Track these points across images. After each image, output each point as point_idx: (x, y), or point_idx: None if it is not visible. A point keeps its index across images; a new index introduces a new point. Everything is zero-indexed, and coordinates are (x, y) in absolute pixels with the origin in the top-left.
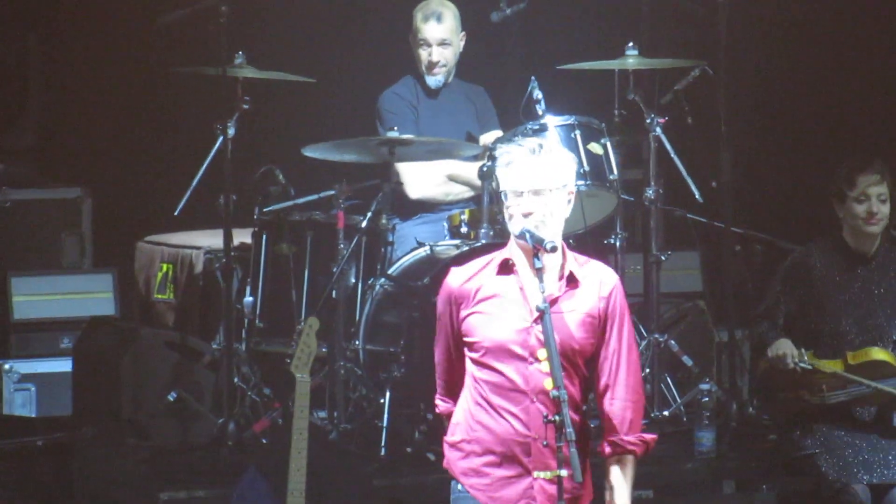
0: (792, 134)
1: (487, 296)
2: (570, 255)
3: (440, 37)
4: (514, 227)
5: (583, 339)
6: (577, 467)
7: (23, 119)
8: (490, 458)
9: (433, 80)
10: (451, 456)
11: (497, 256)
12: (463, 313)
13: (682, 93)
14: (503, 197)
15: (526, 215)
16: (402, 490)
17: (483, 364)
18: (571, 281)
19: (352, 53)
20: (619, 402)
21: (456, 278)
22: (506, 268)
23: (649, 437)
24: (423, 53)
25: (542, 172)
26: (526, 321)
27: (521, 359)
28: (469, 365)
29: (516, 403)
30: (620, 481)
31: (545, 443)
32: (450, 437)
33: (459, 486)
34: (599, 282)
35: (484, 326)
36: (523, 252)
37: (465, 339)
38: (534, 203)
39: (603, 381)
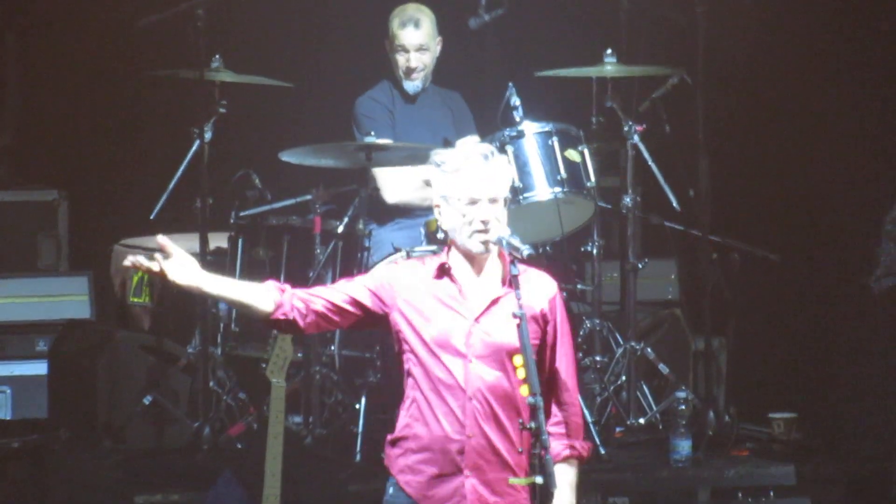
0: (770, 142)
1: (425, 296)
2: (507, 259)
3: (418, 42)
4: (466, 233)
5: (529, 341)
6: (552, 474)
7: (0, 119)
8: (425, 455)
9: (411, 86)
10: (390, 453)
11: (433, 261)
12: (397, 302)
13: (660, 100)
14: (446, 202)
15: (485, 222)
16: (377, 496)
17: (421, 362)
18: (512, 284)
19: (329, 58)
20: (572, 407)
21: (400, 268)
22: (442, 271)
23: (590, 444)
24: (401, 59)
25: (497, 179)
26: (466, 321)
27: (461, 356)
28: (407, 363)
29: (453, 401)
30: (572, 482)
31: (520, 449)
32: (391, 435)
33: (391, 489)
34: (540, 287)
35: (422, 325)
36: (464, 257)
37: (400, 334)
38: (490, 210)
39: (553, 386)
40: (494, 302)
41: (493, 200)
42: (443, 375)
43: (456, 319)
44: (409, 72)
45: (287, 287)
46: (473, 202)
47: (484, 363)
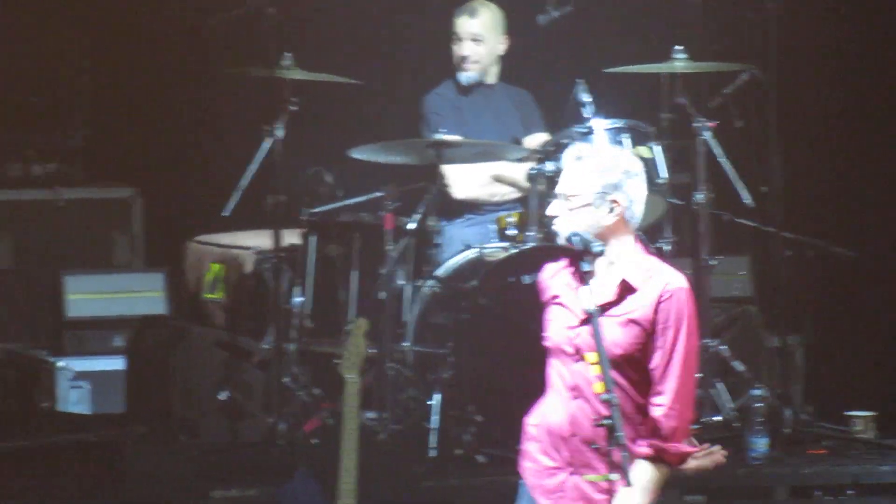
0: (844, 137)
1: (554, 295)
2: (634, 260)
3: (472, 31)
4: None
5: (628, 345)
6: (627, 471)
7: (74, 119)
8: (540, 445)
9: (464, 77)
10: (525, 439)
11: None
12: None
13: (731, 96)
14: None
15: (550, 217)
16: (450, 492)
17: (550, 359)
18: (627, 286)
19: (399, 55)
20: (664, 409)
21: (545, 272)
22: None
23: (688, 449)
24: (455, 48)
25: (574, 177)
26: (574, 321)
27: (569, 357)
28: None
29: (565, 400)
30: (645, 482)
31: (595, 445)
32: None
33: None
34: (657, 288)
35: (549, 324)
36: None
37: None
38: (561, 206)
39: (652, 388)
40: (607, 307)
41: (567, 197)
42: (557, 375)
43: (568, 320)
44: (461, 61)
45: None
46: (556, 197)
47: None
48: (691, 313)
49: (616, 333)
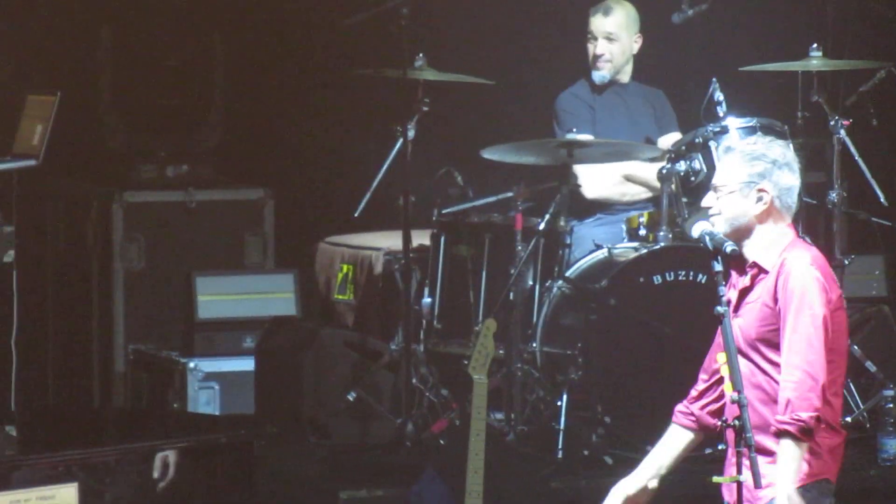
0: None
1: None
2: (770, 244)
3: (606, 30)
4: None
5: (762, 328)
6: (757, 474)
7: (207, 120)
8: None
9: (598, 76)
10: None
11: None
12: None
13: (868, 94)
14: None
15: (706, 209)
16: (578, 493)
17: None
18: (760, 270)
19: (530, 55)
20: (781, 383)
21: None
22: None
23: (805, 415)
24: (589, 47)
25: (722, 169)
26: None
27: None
28: None
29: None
30: (785, 457)
31: (724, 445)
32: None
33: None
34: (780, 269)
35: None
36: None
37: None
38: (711, 199)
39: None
40: (745, 292)
41: (717, 188)
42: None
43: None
44: (595, 59)
45: (687, 406)
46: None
47: (741, 355)
48: (810, 288)
49: (751, 318)
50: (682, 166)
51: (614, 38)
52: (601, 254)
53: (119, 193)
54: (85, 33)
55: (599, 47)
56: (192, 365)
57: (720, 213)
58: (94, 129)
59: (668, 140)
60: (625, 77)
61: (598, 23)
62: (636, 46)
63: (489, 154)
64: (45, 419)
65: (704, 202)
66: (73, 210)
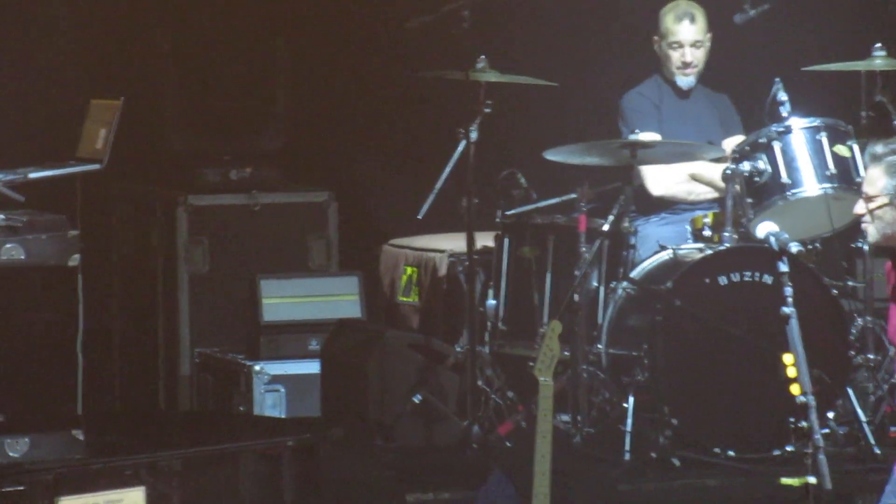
0: None
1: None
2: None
3: (693, 38)
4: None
5: None
6: (825, 475)
7: (271, 123)
8: None
9: (685, 81)
10: None
11: None
12: None
13: None
14: None
15: (858, 216)
16: (646, 495)
17: None
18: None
19: (593, 55)
20: None
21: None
22: None
23: None
24: (676, 54)
25: (870, 177)
26: None
27: None
28: None
29: None
30: None
31: (792, 447)
32: None
33: None
34: None
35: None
36: None
37: None
38: (862, 207)
39: None
40: None
41: (868, 197)
42: None
43: None
44: (685, 66)
45: None
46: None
47: None
48: None
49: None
50: (746, 166)
51: (700, 44)
52: (666, 255)
53: (183, 197)
54: (148, 38)
55: (689, 55)
56: (257, 368)
57: (871, 223)
58: (159, 133)
59: (733, 143)
60: (698, 78)
61: (686, 30)
62: (709, 46)
63: (552, 155)
64: (112, 423)
65: (856, 210)
66: (138, 214)
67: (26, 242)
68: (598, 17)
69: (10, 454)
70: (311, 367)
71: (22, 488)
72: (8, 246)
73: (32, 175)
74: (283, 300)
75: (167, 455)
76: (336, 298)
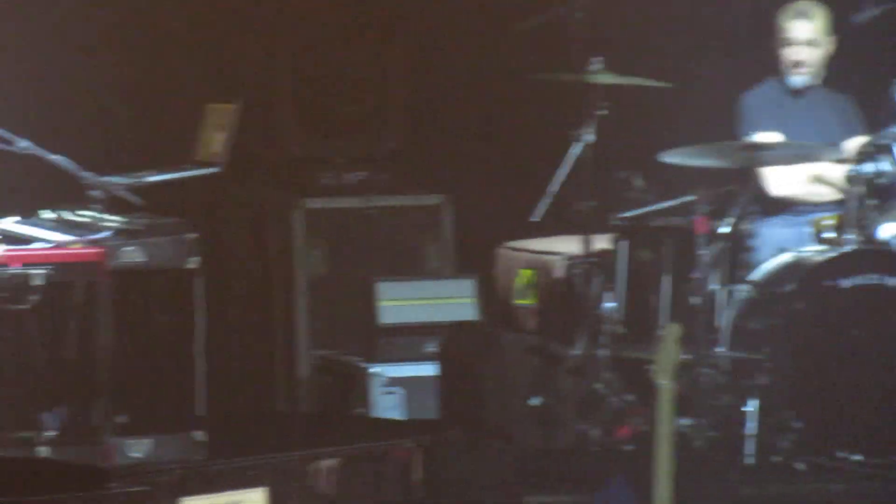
0: None
1: None
2: None
3: (807, 37)
4: None
5: None
6: None
7: (386, 126)
8: None
9: (797, 80)
10: None
11: None
12: None
13: None
14: None
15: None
16: (768, 500)
17: None
18: None
19: (710, 56)
20: None
21: None
22: None
23: None
24: (788, 52)
25: None
26: None
27: None
28: None
29: None
30: None
31: None
32: None
33: None
34: None
35: None
36: None
37: None
38: None
39: None
40: None
41: None
42: None
43: None
44: (796, 65)
45: None
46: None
47: None
48: None
49: None
50: (869, 168)
51: (815, 44)
52: (787, 257)
53: (299, 200)
54: (264, 41)
55: (801, 53)
56: (374, 370)
57: None
58: (275, 137)
59: (855, 144)
60: (816, 80)
61: (798, 29)
62: (831, 49)
63: (670, 157)
64: (233, 424)
65: None
66: (255, 217)
67: (146, 245)
68: (715, 16)
69: (134, 455)
70: (428, 370)
71: (146, 489)
72: (128, 249)
73: (151, 179)
74: (399, 302)
75: (288, 456)
76: (452, 301)
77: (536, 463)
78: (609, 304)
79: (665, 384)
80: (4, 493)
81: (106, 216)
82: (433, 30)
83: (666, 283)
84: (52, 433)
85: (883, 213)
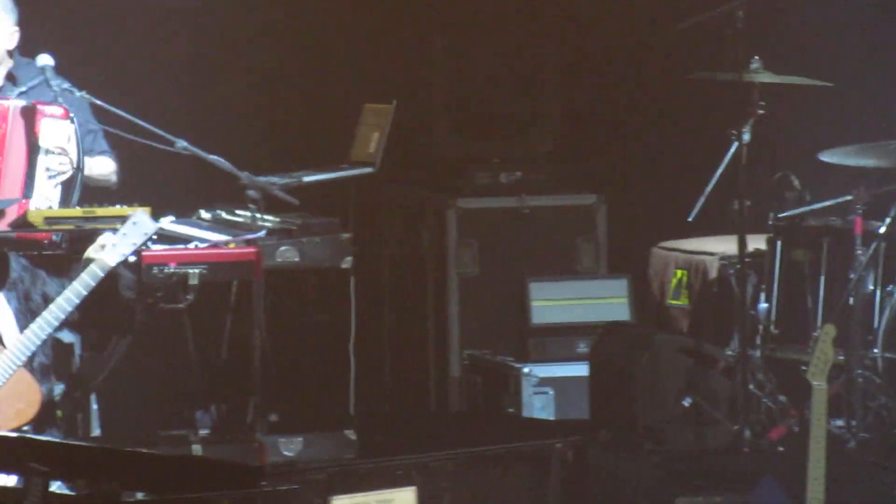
0: None
1: None
2: None
3: None
4: None
5: None
6: None
7: (541, 126)
8: None
9: None
10: None
11: None
12: None
13: None
14: None
15: None
16: None
17: None
18: None
19: (871, 54)
20: None
21: None
22: None
23: None
24: None
25: None
26: None
27: None
28: None
29: None
30: None
31: None
32: None
33: None
34: None
35: None
36: None
37: None
38: None
39: None
40: None
41: None
42: None
43: None
44: None
45: None
46: None
47: None
48: None
49: None
50: None
51: None
52: None
53: (453, 200)
54: (419, 42)
55: None
56: (526, 370)
57: None
58: (428, 137)
59: None
60: None
61: None
62: None
63: (828, 157)
64: (384, 423)
65: None
66: (409, 217)
67: (300, 245)
68: (876, 13)
69: (285, 453)
70: (579, 370)
71: (296, 487)
72: (283, 248)
73: (306, 178)
74: (552, 303)
75: (438, 456)
76: (605, 301)
77: (688, 464)
78: (763, 305)
79: (819, 385)
80: (158, 490)
81: (261, 216)
82: (589, 29)
83: (821, 283)
84: (205, 431)
85: None
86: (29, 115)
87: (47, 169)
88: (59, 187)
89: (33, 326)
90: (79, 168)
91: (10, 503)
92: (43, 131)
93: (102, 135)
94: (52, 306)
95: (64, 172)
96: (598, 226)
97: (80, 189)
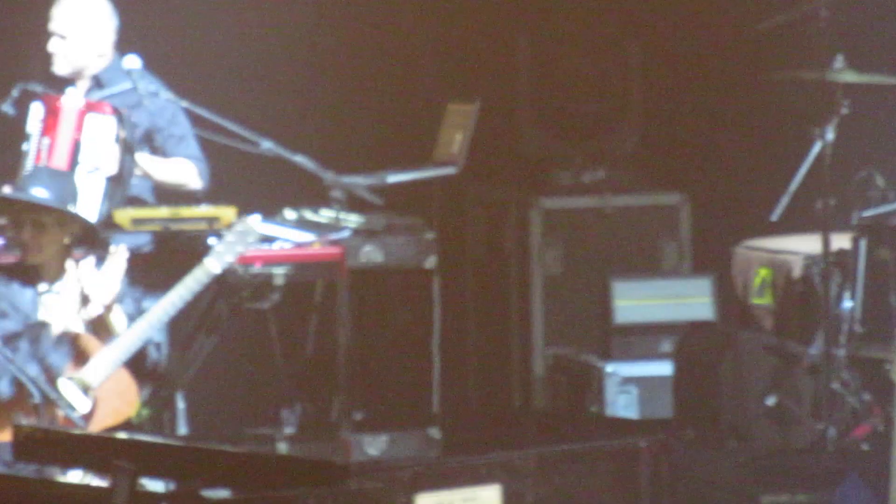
0: None
1: None
2: None
3: None
4: None
5: None
6: None
7: (624, 125)
8: None
9: None
10: None
11: None
12: None
13: None
14: None
15: None
16: None
17: None
18: None
19: None
20: None
21: None
22: None
23: None
24: None
25: None
26: None
27: None
28: None
29: None
30: None
31: None
32: None
33: None
34: None
35: None
36: None
37: None
38: None
39: None
40: None
41: None
42: None
43: None
44: None
45: None
46: None
47: None
48: None
49: None
50: None
51: None
52: None
53: (537, 199)
54: (503, 42)
55: None
56: (609, 369)
57: None
58: (512, 136)
59: None
60: None
61: None
62: None
63: None
64: (468, 422)
65: None
66: (492, 216)
67: (384, 244)
68: None
69: (369, 451)
70: (663, 369)
71: (381, 485)
72: (367, 248)
73: (390, 178)
74: (635, 302)
75: (522, 454)
76: (689, 300)
77: (773, 462)
78: (847, 304)
79: None
80: (244, 488)
81: (346, 215)
82: (673, 28)
83: None
84: (290, 430)
85: None
86: (76, 111)
87: (88, 164)
88: (107, 183)
89: (135, 327)
90: (123, 166)
91: (99, 501)
92: (86, 128)
93: (192, 139)
94: (155, 309)
95: (103, 168)
96: (682, 225)
97: (126, 187)
